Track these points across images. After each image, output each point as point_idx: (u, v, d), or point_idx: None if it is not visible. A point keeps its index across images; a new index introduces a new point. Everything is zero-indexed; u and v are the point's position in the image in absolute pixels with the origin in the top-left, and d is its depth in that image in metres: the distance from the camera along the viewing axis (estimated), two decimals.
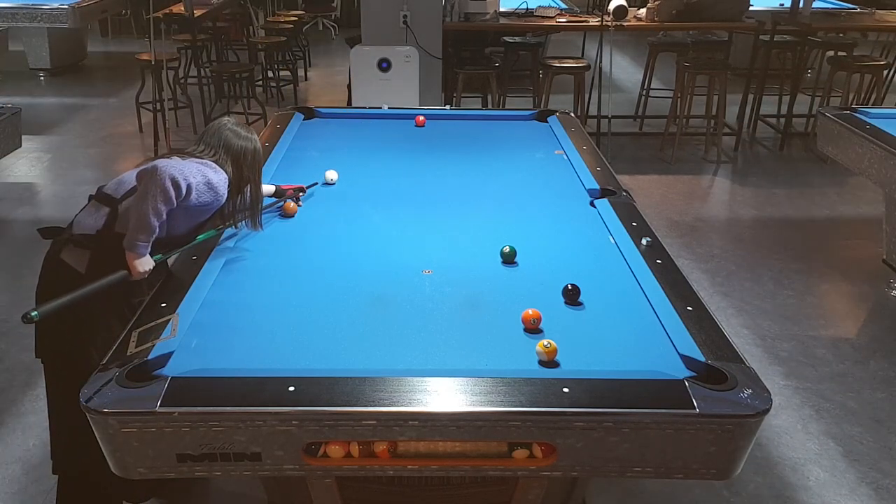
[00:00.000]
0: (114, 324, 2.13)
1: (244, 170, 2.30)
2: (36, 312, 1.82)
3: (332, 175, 2.85)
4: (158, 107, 5.80)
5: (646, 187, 5.47)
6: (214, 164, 2.22)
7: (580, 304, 2.00)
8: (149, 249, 2.08)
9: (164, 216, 2.05)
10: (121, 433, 1.53)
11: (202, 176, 2.14)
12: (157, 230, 2.06)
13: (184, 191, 2.06)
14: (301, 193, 2.68)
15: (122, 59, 9.04)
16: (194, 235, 2.26)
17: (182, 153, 2.26)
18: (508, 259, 2.23)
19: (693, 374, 1.68)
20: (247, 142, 2.32)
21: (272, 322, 1.90)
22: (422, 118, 3.59)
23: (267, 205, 2.52)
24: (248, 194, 2.34)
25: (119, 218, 2.13)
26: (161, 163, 2.06)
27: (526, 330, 1.87)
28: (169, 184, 2.02)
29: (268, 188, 2.60)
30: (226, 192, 2.23)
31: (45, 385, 2.31)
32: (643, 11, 5.95)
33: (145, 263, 2.07)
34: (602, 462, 1.59)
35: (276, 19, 8.27)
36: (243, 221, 2.36)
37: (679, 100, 5.98)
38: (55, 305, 1.87)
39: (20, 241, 4.47)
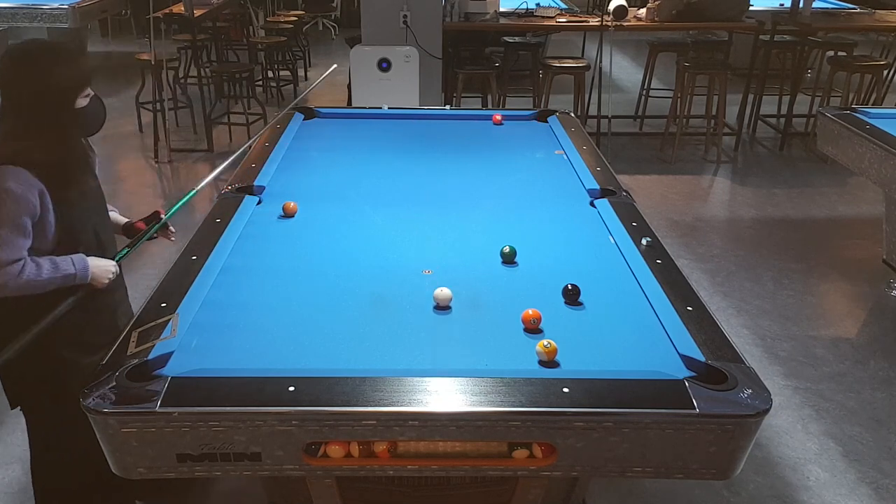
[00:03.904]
0: (81, 362, 2.03)
1: (46, 103, 1.77)
2: None
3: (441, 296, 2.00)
4: (158, 107, 5.80)
5: (646, 187, 5.47)
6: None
7: (580, 304, 2.00)
8: (79, 263, 1.90)
9: (24, 264, 1.81)
10: (121, 433, 1.53)
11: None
12: (32, 266, 1.82)
13: (24, 229, 1.81)
14: (158, 223, 2.21)
15: (122, 59, 9.03)
16: (91, 215, 1.95)
17: None
18: (508, 259, 2.23)
19: (693, 374, 1.68)
20: (31, 67, 1.73)
21: (272, 322, 1.90)
22: (498, 116, 3.61)
23: (133, 243, 2.15)
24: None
25: None
26: None
27: (526, 330, 1.87)
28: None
29: (116, 217, 2.22)
30: (29, 182, 1.78)
31: (26, 432, 2.28)
32: (643, 11, 5.95)
33: (102, 271, 1.97)
34: (602, 462, 1.59)
35: (276, 19, 8.27)
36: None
37: (679, 100, 5.98)
38: (17, 347, 1.83)
39: None
